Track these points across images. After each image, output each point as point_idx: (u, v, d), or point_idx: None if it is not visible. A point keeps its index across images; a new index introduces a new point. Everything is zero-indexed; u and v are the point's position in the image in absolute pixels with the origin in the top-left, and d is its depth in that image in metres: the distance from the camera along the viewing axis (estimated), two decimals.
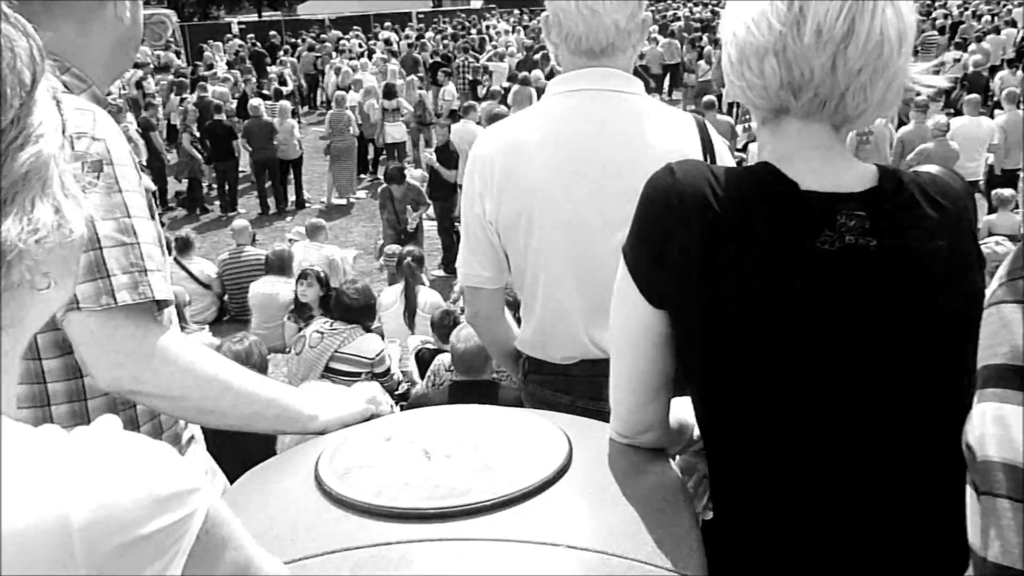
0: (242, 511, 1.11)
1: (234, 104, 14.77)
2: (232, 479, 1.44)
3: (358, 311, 5.14)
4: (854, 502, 1.15)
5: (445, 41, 22.15)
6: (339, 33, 24.57)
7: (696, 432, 1.39)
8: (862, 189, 1.14)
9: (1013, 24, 19.81)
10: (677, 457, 1.45)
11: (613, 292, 1.24)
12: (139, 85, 16.18)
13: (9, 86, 0.68)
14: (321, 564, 1.00)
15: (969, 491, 0.79)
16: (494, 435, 1.19)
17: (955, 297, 1.09)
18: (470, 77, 16.82)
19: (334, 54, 20.71)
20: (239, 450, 1.87)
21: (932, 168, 1.23)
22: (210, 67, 19.62)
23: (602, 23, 1.81)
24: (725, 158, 1.93)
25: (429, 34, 24.11)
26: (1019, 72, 15.08)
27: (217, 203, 13.32)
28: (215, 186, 13.45)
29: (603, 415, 1.53)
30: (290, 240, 9.12)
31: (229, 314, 8.56)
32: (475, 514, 1.04)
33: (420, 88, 15.63)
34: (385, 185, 9.99)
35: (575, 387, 1.94)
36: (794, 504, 1.19)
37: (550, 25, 1.89)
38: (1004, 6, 24.82)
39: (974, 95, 10.95)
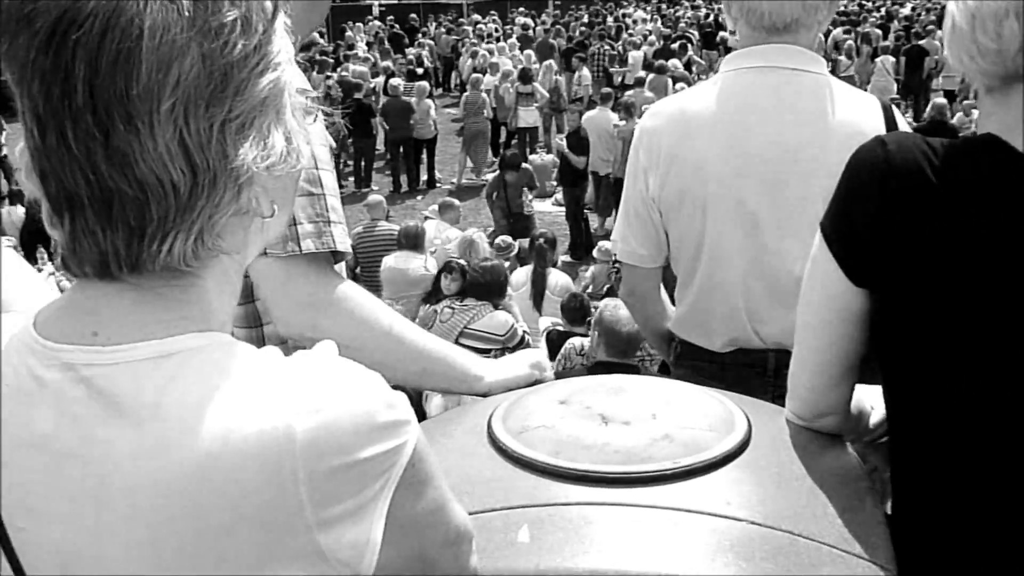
0: None
1: (372, 84, 15.11)
2: None
3: (488, 287, 5.17)
4: None
5: (581, 28, 22.02)
6: (478, 17, 24.77)
7: (872, 422, 1.33)
8: None
9: None
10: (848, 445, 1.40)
11: (807, 267, 1.19)
12: None
13: (255, 12, 0.70)
14: (500, 519, 1.00)
15: None
16: (673, 406, 1.17)
17: None
18: (605, 65, 16.71)
19: (472, 37, 20.90)
20: None
21: None
22: (351, 47, 20.12)
23: None
24: None
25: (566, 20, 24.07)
26: None
27: (351, 179, 13.67)
28: (351, 163, 13.80)
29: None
30: (425, 217, 9.26)
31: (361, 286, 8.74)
32: (655, 482, 1.02)
33: (556, 74, 15.61)
34: (499, 172, 9.99)
35: (726, 375, 1.88)
36: (988, 505, 1.12)
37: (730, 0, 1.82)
38: None
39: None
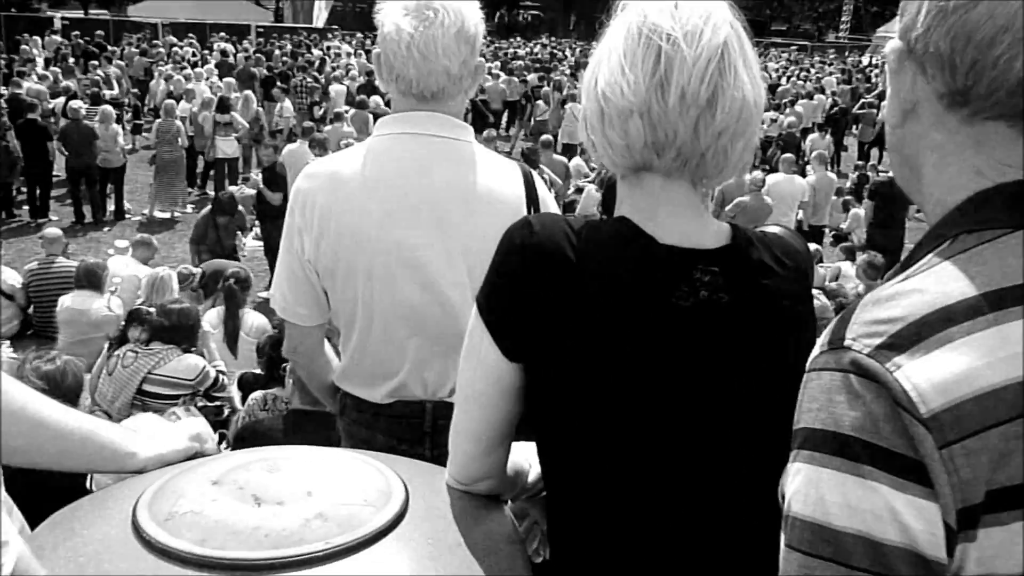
0: (48, 560, 1.03)
1: (51, 104, 13.89)
2: (34, 518, 1.33)
3: (174, 331, 4.89)
4: (695, 553, 1.18)
5: (284, 58, 21.67)
6: (174, 39, 23.60)
7: (530, 478, 1.40)
8: (717, 246, 1.17)
9: (822, 91, 21.47)
10: (509, 502, 1.46)
11: (465, 341, 1.22)
12: None
13: None
14: None
15: (783, 540, 0.82)
16: (329, 480, 1.16)
17: (796, 352, 1.14)
18: (308, 97, 16.55)
19: (166, 60, 19.88)
20: (43, 485, 1.71)
21: (776, 228, 1.29)
22: (28, 62, 18.40)
23: (433, 69, 1.78)
24: (550, 207, 1.94)
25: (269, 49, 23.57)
26: (827, 136, 16.44)
27: (26, 208, 12.45)
28: (24, 190, 12.56)
29: (420, 459, 1.52)
30: (108, 253, 8.61)
31: (33, 328, 7.98)
32: (306, 565, 1.00)
33: (256, 104, 15.21)
34: (208, 212, 9.55)
35: (392, 428, 1.92)
36: (633, 553, 1.22)
37: (380, 65, 1.86)
38: (815, 74, 26.90)
39: (789, 154, 11.90)
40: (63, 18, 27.71)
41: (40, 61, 18.80)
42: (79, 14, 33.58)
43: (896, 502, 0.72)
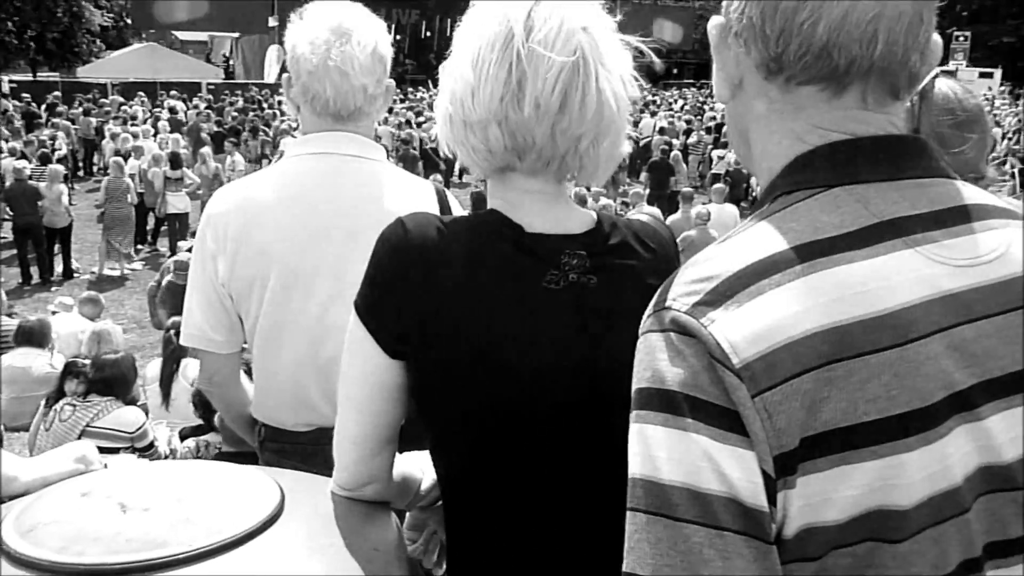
0: None
1: None
2: None
3: (110, 382, 4.80)
4: (589, 548, 1.18)
5: (234, 113, 21.68)
6: (120, 98, 23.51)
7: (424, 486, 1.39)
8: (583, 231, 1.20)
9: None
10: (408, 514, 1.45)
11: (345, 342, 1.23)
12: None
13: None
14: None
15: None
16: (202, 487, 1.15)
17: None
18: (261, 150, 16.56)
19: (114, 118, 19.80)
20: None
21: (643, 216, 1.33)
22: None
23: (352, 87, 1.80)
24: None
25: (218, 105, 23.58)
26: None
27: None
28: None
29: None
30: (52, 311, 8.49)
31: None
32: (167, 568, 0.99)
33: (209, 159, 15.18)
34: (172, 274, 9.43)
35: (312, 457, 1.89)
36: (525, 554, 1.21)
37: (292, 84, 1.87)
38: None
39: (718, 184, 13.43)
40: (11, 81, 27.54)
41: None
42: (28, 76, 33.41)
43: (716, 452, 0.73)
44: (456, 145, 1.21)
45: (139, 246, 13.62)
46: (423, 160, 15.65)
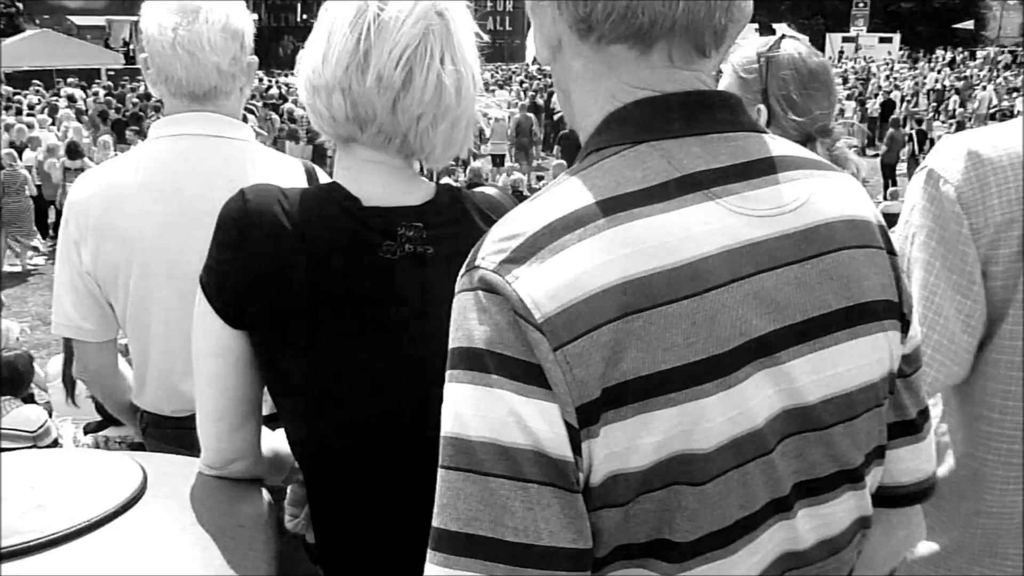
0: None
1: None
2: None
3: (6, 381, 4.67)
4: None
5: (135, 99, 21.03)
6: (11, 89, 22.58)
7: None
8: (419, 203, 1.24)
9: None
10: (288, 489, 1.46)
11: (193, 319, 1.24)
12: None
13: None
14: None
15: None
16: (57, 474, 1.15)
17: None
18: None
19: (6, 110, 19.01)
20: None
21: (488, 189, 1.36)
22: None
23: (202, 66, 1.78)
24: None
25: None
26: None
27: None
28: None
29: None
30: None
31: None
32: (18, 556, 0.99)
33: (112, 148, 14.72)
34: None
35: (189, 439, 1.89)
36: (382, 514, 1.24)
37: (148, 67, 1.84)
38: None
39: None
40: None
41: None
42: None
43: (520, 406, 0.75)
44: (308, 111, 1.24)
45: (41, 240, 13.18)
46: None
